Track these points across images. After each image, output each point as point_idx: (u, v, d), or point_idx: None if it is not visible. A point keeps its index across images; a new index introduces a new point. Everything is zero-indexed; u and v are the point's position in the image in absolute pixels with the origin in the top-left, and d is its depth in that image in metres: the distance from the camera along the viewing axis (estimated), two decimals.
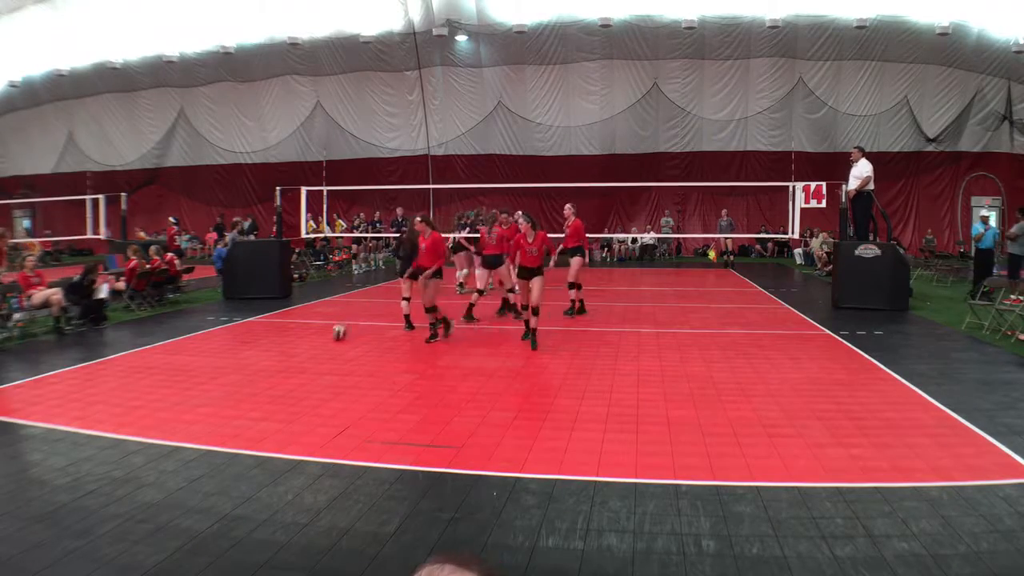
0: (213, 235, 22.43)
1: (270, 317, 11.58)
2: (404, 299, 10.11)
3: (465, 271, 14.35)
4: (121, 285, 12.45)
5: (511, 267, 9.94)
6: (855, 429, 5.45)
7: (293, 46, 22.77)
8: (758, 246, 23.92)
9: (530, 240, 8.99)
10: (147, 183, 26.52)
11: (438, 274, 9.29)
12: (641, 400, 6.37)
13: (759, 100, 22.82)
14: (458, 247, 14.16)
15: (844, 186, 12.69)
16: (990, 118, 21.87)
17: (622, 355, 8.36)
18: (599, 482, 4.46)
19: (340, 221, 21.82)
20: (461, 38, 22.63)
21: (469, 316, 10.76)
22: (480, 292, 11.40)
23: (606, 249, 23.55)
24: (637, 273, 19.46)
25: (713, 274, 18.95)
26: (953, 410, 5.90)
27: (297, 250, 17.53)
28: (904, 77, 21.90)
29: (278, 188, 14.81)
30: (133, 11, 22.38)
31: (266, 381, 7.17)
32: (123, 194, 18.58)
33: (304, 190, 15.67)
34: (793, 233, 14.31)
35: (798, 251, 21.76)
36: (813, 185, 13.37)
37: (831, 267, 14.31)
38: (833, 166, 19.53)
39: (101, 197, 18.91)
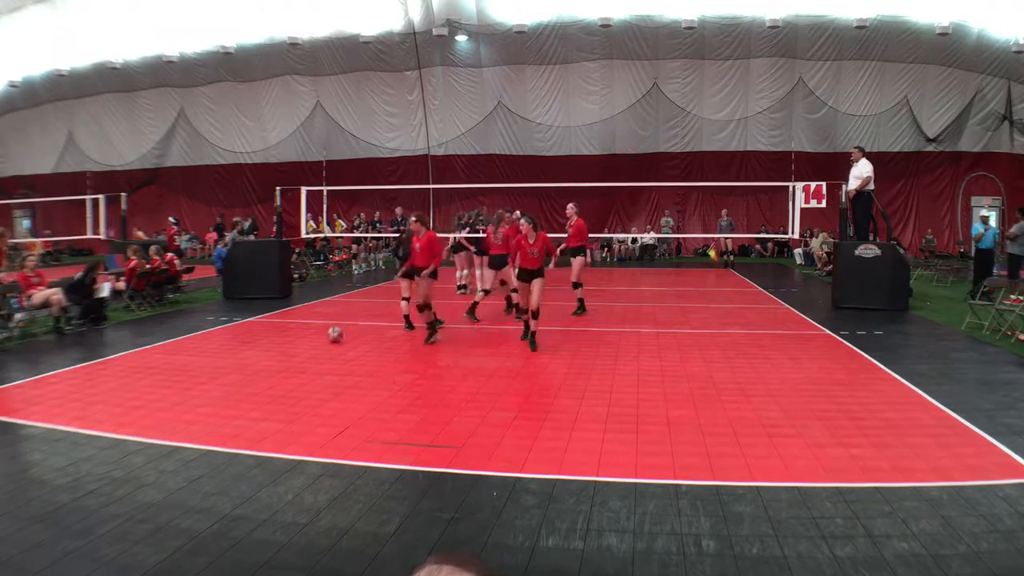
0: (213, 235, 22.43)
1: (270, 317, 11.58)
2: (404, 299, 10.11)
3: (465, 271, 14.34)
4: (121, 285, 12.45)
5: (513, 267, 9.92)
6: (855, 429, 5.45)
7: (293, 46, 22.77)
8: (758, 246, 23.93)
9: (531, 241, 8.97)
10: (147, 183, 26.51)
11: (433, 274, 9.26)
12: (641, 400, 6.37)
13: (759, 100, 22.83)
14: (458, 247, 14.15)
15: (844, 186, 12.69)
16: (990, 118, 21.87)
17: (622, 355, 8.36)
18: (599, 482, 4.46)
19: (340, 221, 21.81)
20: (461, 38, 22.63)
21: (472, 313, 10.78)
22: (486, 292, 11.38)
23: (606, 249, 23.56)
24: (637, 273, 19.46)
25: (713, 274, 18.95)
26: (953, 410, 5.90)
27: (297, 250, 17.53)
28: (904, 77, 21.91)
29: (278, 188, 14.81)
30: (133, 11, 22.38)
31: (266, 381, 7.17)
32: (123, 194, 18.56)
33: (304, 190, 15.67)
34: (793, 233, 14.30)
35: (798, 251, 21.76)
36: (813, 185, 13.36)
37: (831, 267, 14.31)
38: (833, 166, 19.53)
39: (101, 197, 18.90)
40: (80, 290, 10.75)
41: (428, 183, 24.08)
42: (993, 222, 18.29)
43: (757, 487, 4.34)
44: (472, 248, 13.78)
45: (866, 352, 8.36)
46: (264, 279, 13.68)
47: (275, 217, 15.34)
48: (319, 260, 19.57)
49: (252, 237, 18.26)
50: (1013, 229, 12.63)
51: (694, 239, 24.40)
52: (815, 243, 20.23)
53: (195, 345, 9.25)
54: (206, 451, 5.07)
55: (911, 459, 4.79)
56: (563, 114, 23.81)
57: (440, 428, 5.61)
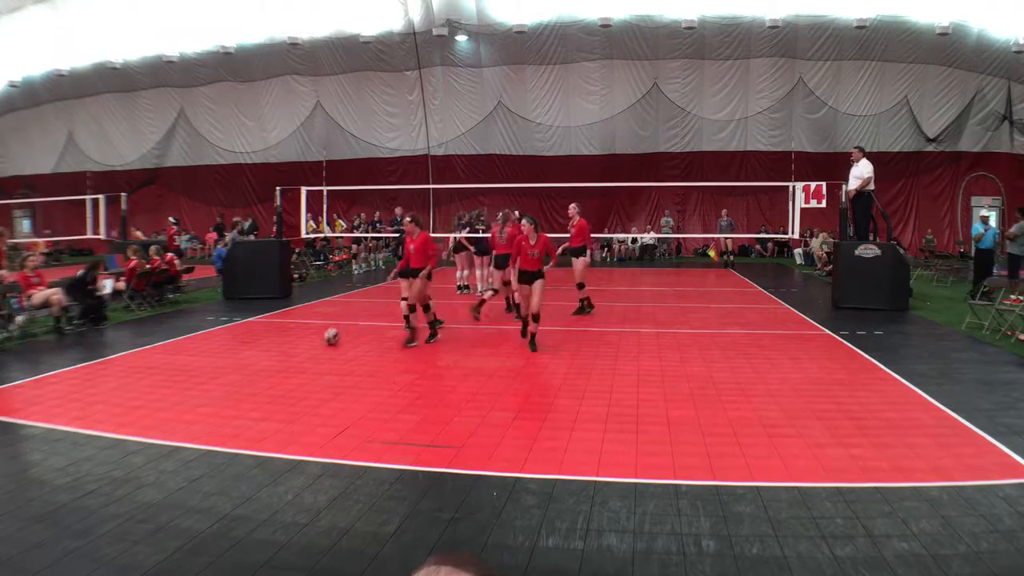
0: (213, 235, 22.44)
1: (270, 317, 11.58)
2: (403, 299, 10.10)
3: (466, 271, 14.35)
4: (121, 285, 12.45)
5: (513, 268, 9.88)
6: (855, 429, 5.44)
7: (293, 46, 22.78)
8: (758, 246, 23.93)
9: (532, 242, 8.91)
10: (147, 183, 26.52)
11: (428, 275, 9.12)
12: (641, 400, 6.36)
13: (759, 100, 22.83)
14: (459, 247, 14.16)
15: (844, 186, 12.70)
16: (990, 118, 21.88)
17: (622, 355, 8.36)
18: (599, 482, 4.46)
19: (340, 221, 21.82)
20: (461, 38, 22.63)
21: (477, 310, 10.81)
22: (495, 291, 11.35)
23: (606, 249, 23.56)
24: (637, 273, 19.46)
25: (713, 274, 18.96)
26: (953, 410, 5.90)
27: (297, 250, 17.54)
28: (904, 77, 21.91)
29: (278, 188, 14.81)
30: (133, 11, 22.39)
31: (266, 381, 7.17)
32: (123, 194, 18.57)
33: (304, 190, 15.67)
34: (793, 233, 14.30)
35: (798, 251, 21.76)
36: (813, 185, 13.36)
37: (831, 267, 14.31)
38: (833, 166, 19.53)
39: (101, 197, 18.90)
40: (81, 288, 10.75)
41: (428, 183, 24.08)
42: (993, 222, 18.30)
43: (757, 487, 4.34)
44: (472, 248, 13.81)
45: (866, 352, 8.36)
46: (264, 279, 13.68)
47: (275, 217, 15.34)
48: (319, 260, 19.57)
49: (252, 237, 18.26)
50: (1013, 229, 12.63)
51: (694, 239, 24.41)
52: (815, 243, 20.23)
53: (195, 345, 9.25)
54: (206, 451, 5.07)
55: (911, 459, 4.79)
56: (563, 114, 23.81)
57: (440, 428, 5.61)
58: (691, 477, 4.50)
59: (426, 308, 9.29)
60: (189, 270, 15.27)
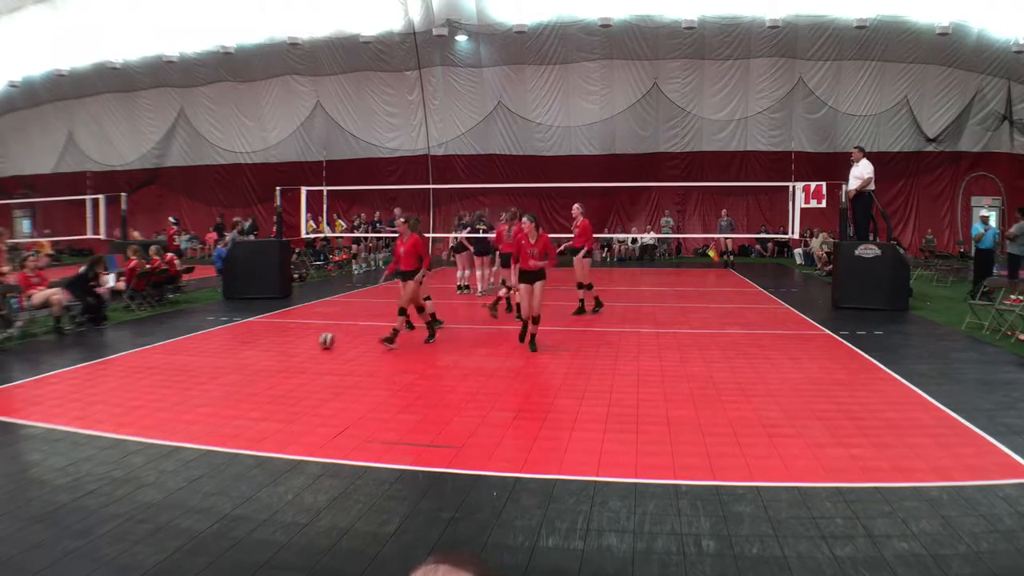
0: (213, 235, 22.44)
1: (270, 317, 11.58)
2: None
3: (467, 272, 14.35)
4: (121, 285, 12.45)
5: (514, 267, 9.85)
6: (855, 429, 5.44)
7: (293, 46, 22.78)
8: (758, 246, 23.94)
9: (532, 241, 8.77)
10: (147, 183, 26.51)
11: (410, 276, 8.97)
12: (641, 400, 6.36)
13: (759, 100, 22.83)
14: (460, 247, 14.17)
15: (844, 186, 12.70)
16: (990, 118, 21.88)
17: (622, 355, 8.35)
18: (599, 482, 4.46)
19: (340, 221, 21.82)
20: (461, 38, 22.63)
21: (494, 308, 10.85)
22: (509, 288, 11.27)
23: (606, 249, 23.56)
24: (637, 273, 19.46)
25: (713, 274, 18.96)
26: (953, 410, 5.90)
27: (297, 250, 17.54)
28: (904, 77, 21.91)
29: (278, 188, 14.81)
30: (133, 11, 22.39)
31: (266, 381, 7.17)
32: (123, 194, 18.59)
33: (304, 190, 15.68)
34: (793, 233, 14.31)
35: (798, 251, 21.76)
36: (813, 185, 13.37)
37: (831, 267, 14.31)
38: (833, 166, 19.54)
39: (101, 197, 18.92)
40: (83, 285, 10.75)
41: (428, 183, 24.09)
42: (993, 222, 18.30)
43: (757, 487, 4.34)
44: (471, 249, 13.82)
45: (866, 352, 8.36)
46: (264, 279, 13.68)
47: (275, 217, 15.35)
48: (319, 260, 19.58)
49: (252, 237, 18.27)
50: (1013, 229, 12.63)
51: (694, 239, 24.41)
52: (815, 243, 20.23)
53: (195, 345, 9.25)
54: (206, 451, 5.07)
55: (911, 459, 4.79)
56: (563, 114, 23.81)
57: (440, 428, 5.61)
58: (691, 477, 4.50)
59: (419, 310, 9.28)
60: (189, 270, 15.27)
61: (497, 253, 12.79)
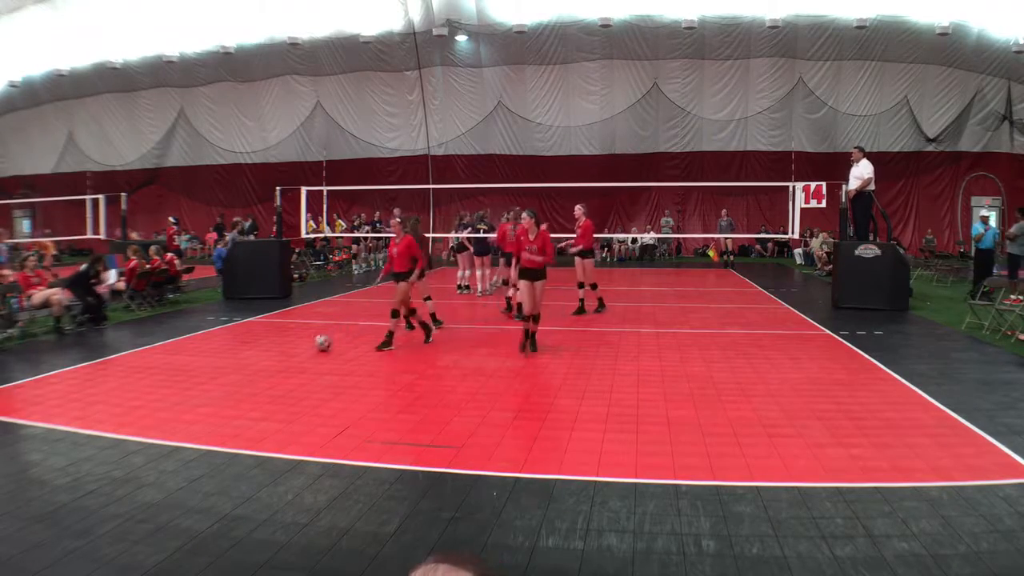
0: (213, 235, 22.43)
1: (270, 317, 11.58)
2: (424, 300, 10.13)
3: (468, 271, 14.36)
4: (121, 285, 12.45)
5: (515, 266, 9.84)
6: (855, 429, 5.45)
7: (293, 46, 22.77)
8: (758, 246, 23.93)
9: (531, 237, 8.62)
10: (147, 183, 26.50)
11: (404, 277, 9.00)
12: (641, 400, 6.36)
13: (759, 100, 22.83)
14: (460, 247, 14.18)
15: (844, 186, 12.70)
16: (990, 118, 21.88)
17: (622, 355, 8.35)
18: (599, 482, 4.46)
19: (340, 221, 21.82)
20: (461, 38, 22.63)
21: (509, 308, 10.93)
22: (516, 287, 11.30)
23: (606, 249, 23.56)
24: (637, 273, 19.46)
25: (713, 274, 18.96)
26: (953, 410, 5.90)
27: (297, 250, 17.54)
28: (904, 77, 21.91)
29: (278, 188, 14.81)
30: (133, 11, 22.37)
31: (266, 381, 7.17)
32: (123, 194, 18.58)
33: (304, 190, 15.67)
34: (793, 233, 14.30)
35: (798, 251, 21.76)
36: (813, 185, 13.36)
37: (831, 267, 14.31)
38: (833, 166, 19.53)
39: (101, 197, 18.89)
40: (83, 283, 10.74)
41: (428, 183, 24.08)
42: (993, 222, 18.30)
43: (757, 487, 4.34)
44: (471, 249, 13.83)
45: (866, 352, 8.36)
46: (264, 279, 13.68)
47: (275, 217, 15.34)
48: (319, 260, 19.58)
49: (252, 237, 18.26)
50: (1013, 229, 12.63)
51: (694, 239, 24.41)
52: (815, 243, 20.23)
53: (195, 345, 9.25)
54: (206, 451, 5.07)
55: (911, 459, 4.79)
56: (563, 114, 23.81)
57: (440, 428, 5.61)
58: (691, 477, 4.50)
59: (410, 312, 9.32)
60: (189, 270, 15.27)
61: (500, 252, 12.81)
